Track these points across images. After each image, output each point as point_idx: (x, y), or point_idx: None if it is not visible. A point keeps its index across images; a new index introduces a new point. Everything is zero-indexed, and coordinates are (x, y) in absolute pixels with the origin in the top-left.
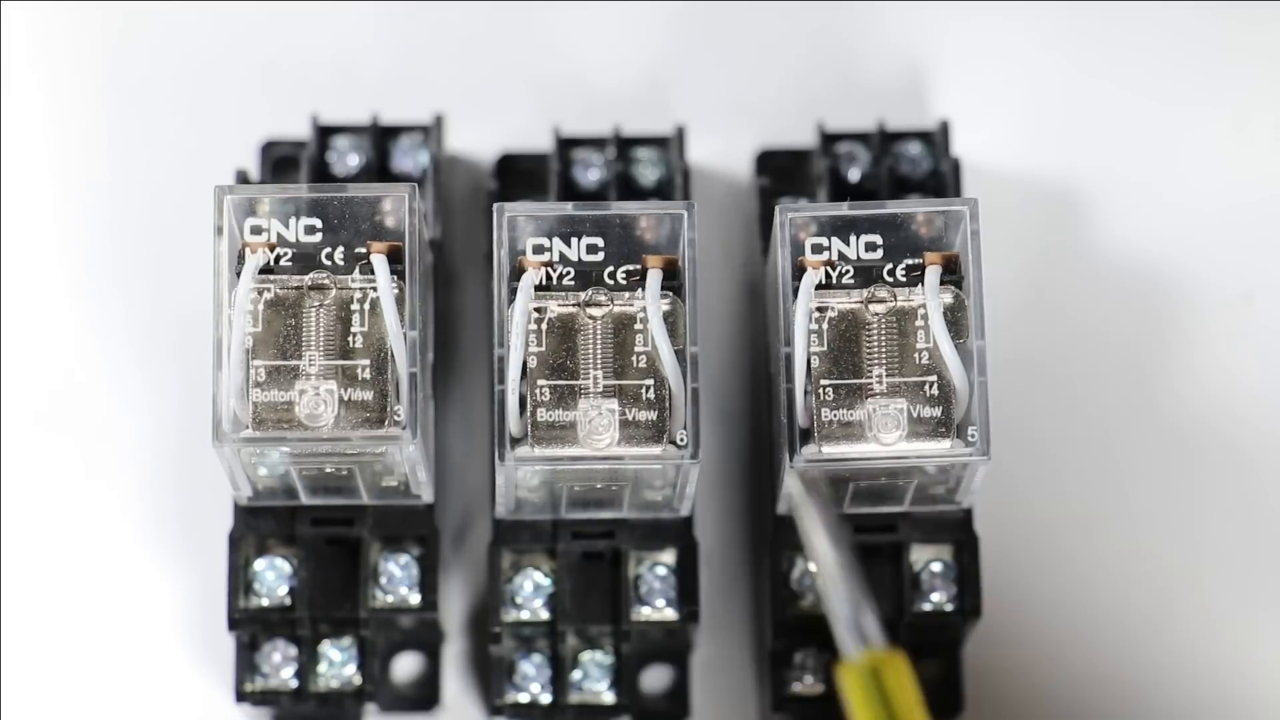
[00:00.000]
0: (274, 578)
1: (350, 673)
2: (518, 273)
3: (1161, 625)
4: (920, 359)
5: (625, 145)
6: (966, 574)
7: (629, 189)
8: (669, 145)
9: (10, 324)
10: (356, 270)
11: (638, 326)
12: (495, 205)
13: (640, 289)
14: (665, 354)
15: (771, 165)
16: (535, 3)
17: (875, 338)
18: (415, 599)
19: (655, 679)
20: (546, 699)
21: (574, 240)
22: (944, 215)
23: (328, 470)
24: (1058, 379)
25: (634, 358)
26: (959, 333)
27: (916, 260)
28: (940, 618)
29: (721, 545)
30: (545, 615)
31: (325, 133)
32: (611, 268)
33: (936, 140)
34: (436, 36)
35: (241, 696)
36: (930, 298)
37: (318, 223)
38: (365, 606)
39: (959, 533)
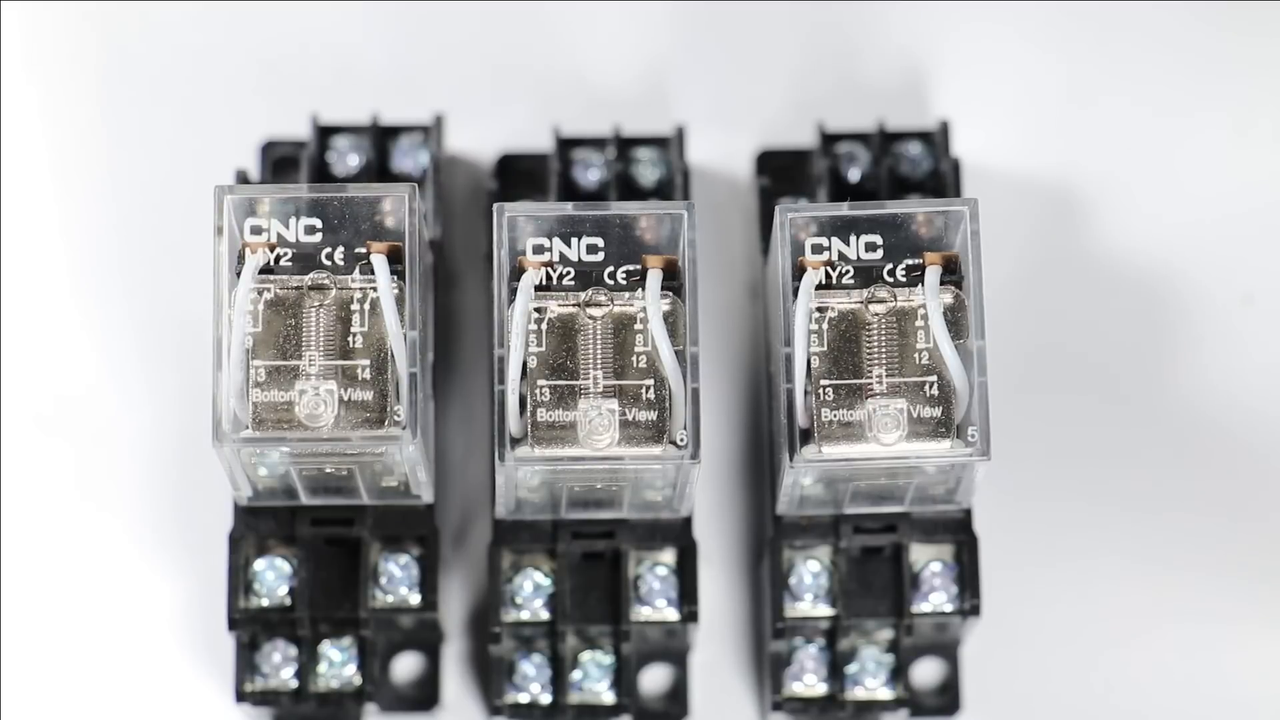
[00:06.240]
0: (274, 578)
1: (350, 673)
2: (518, 273)
3: (1161, 624)
4: (920, 359)
5: (625, 145)
6: (966, 574)
7: (629, 189)
8: (669, 145)
9: (10, 324)
10: (356, 270)
11: (638, 326)
12: (495, 205)
13: (640, 289)
14: (665, 354)
15: (771, 165)
16: (535, 3)
17: (875, 338)
18: (415, 599)
19: (655, 679)
20: (546, 699)
21: (574, 240)
22: (944, 215)
23: (328, 470)
24: (1058, 379)
25: (634, 358)
26: (959, 333)
27: (916, 260)
28: (940, 618)
29: (721, 545)
30: (545, 615)
31: (325, 133)
32: (611, 268)
33: (936, 140)
34: (436, 36)
35: (241, 696)
36: (930, 298)
37: (318, 223)
38: (365, 606)
39: (959, 533)
